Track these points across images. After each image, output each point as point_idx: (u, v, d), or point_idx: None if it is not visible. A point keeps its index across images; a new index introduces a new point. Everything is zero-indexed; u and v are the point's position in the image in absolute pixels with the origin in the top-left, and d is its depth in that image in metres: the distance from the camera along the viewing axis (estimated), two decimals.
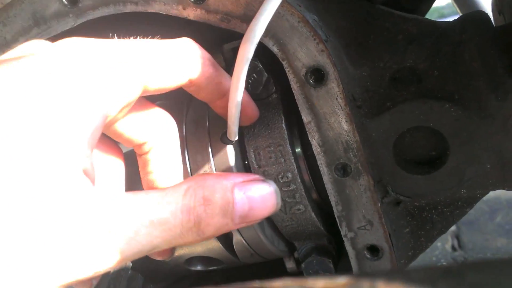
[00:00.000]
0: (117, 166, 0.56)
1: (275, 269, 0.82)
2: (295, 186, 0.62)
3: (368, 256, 0.63)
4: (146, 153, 0.54)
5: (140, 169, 0.56)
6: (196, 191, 0.43)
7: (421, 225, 0.68)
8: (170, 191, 0.43)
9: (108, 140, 0.55)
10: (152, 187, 0.54)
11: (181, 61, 0.48)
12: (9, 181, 0.34)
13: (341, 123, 0.58)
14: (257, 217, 0.47)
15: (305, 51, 0.56)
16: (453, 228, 2.46)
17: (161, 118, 0.55)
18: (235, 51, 0.67)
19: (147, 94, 0.47)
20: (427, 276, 0.17)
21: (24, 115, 0.36)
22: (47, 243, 0.35)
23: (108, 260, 0.38)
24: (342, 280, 0.18)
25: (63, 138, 0.37)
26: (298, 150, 0.65)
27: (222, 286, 0.21)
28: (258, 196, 0.47)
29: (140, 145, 0.54)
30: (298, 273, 0.73)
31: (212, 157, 0.62)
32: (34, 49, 0.43)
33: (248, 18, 0.56)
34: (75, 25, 0.59)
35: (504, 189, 0.60)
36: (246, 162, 0.64)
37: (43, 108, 0.37)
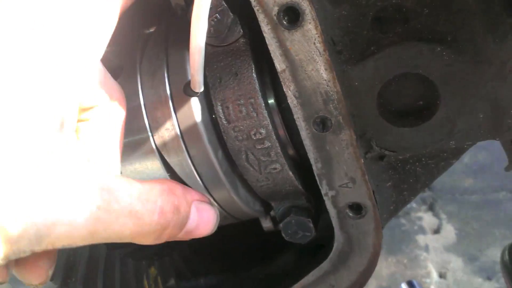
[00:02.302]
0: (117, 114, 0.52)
1: (250, 228, 0.77)
2: (269, 144, 0.56)
3: (351, 214, 0.59)
4: (86, 120, 0.50)
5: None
6: (169, 196, 0.46)
7: (404, 179, 0.64)
8: (147, 188, 0.44)
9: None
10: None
11: None
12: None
13: (319, 71, 0.51)
14: (194, 236, 0.51)
15: None
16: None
17: (112, 87, 0.52)
18: None
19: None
20: None
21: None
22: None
23: (81, 231, 0.37)
24: None
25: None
26: (271, 102, 0.58)
27: None
28: (205, 218, 0.51)
29: (83, 110, 0.49)
30: (275, 232, 0.69)
31: (175, 112, 0.54)
32: None
33: None
34: None
35: (495, 139, 0.56)
36: (214, 117, 0.57)
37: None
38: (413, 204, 2.48)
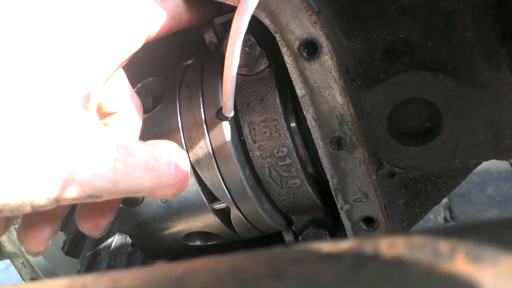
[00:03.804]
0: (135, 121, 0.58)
1: (272, 242, 0.83)
2: (290, 161, 0.62)
3: (364, 227, 0.64)
4: (106, 124, 0.55)
5: None
6: (180, 151, 0.50)
7: (415, 196, 0.69)
8: (159, 146, 0.49)
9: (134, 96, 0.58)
10: None
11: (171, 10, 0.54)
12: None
13: (335, 96, 0.58)
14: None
15: (298, 23, 0.56)
16: (445, 200, 2.49)
17: (132, 98, 0.57)
18: (226, 25, 0.67)
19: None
20: (429, 237, 0.17)
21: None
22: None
23: (102, 180, 0.41)
24: (346, 244, 0.19)
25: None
26: (292, 124, 0.65)
27: (228, 255, 0.21)
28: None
29: (105, 114, 0.55)
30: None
31: (208, 132, 0.62)
32: None
33: None
34: None
35: (497, 159, 0.61)
36: (242, 138, 0.64)
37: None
38: None
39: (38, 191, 0.37)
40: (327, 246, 0.19)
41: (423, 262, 0.16)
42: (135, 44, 0.50)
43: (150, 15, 0.51)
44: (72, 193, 0.39)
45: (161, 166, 0.47)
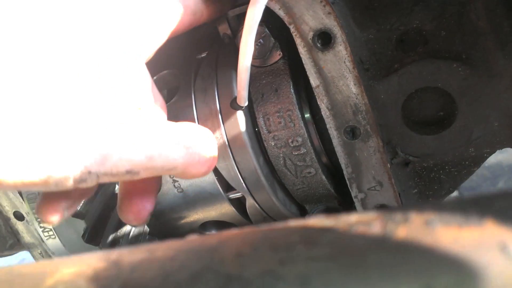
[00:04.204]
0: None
1: None
2: (305, 150, 0.63)
3: None
4: None
5: None
6: (208, 129, 0.52)
7: (429, 186, 0.70)
8: (191, 125, 0.50)
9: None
10: None
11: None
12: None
13: (349, 86, 0.59)
14: None
15: (312, 14, 0.56)
16: (455, 194, 2.50)
17: (156, 94, 0.56)
18: (240, 17, 0.67)
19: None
20: (457, 205, 0.18)
21: None
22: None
23: (138, 156, 0.42)
24: (374, 213, 0.19)
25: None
26: (307, 114, 0.65)
27: (259, 227, 0.22)
28: None
29: None
30: None
31: (223, 123, 0.62)
32: None
33: None
34: None
35: (511, 147, 0.61)
36: (256, 129, 0.65)
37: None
38: None
39: (80, 165, 0.39)
40: (354, 216, 0.20)
41: (453, 225, 0.17)
42: (159, 41, 0.51)
43: (172, 12, 0.52)
44: (111, 169, 0.40)
45: (193, 143, 0.48)
